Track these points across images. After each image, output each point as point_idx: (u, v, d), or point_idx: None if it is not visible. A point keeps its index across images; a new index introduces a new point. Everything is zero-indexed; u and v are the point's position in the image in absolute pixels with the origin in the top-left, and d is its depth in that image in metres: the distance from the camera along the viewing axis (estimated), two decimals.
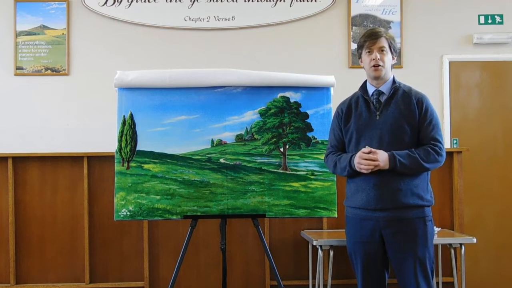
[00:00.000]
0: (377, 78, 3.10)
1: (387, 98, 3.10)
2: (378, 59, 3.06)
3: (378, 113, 3.09)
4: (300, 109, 3.96)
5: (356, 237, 3.16)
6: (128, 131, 3.85)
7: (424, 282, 3.00)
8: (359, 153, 3.02)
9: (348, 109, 3.23)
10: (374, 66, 3.07)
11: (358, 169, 3.04)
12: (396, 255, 3.04)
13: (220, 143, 3.90)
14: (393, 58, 3.14)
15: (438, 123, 3.07)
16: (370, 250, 3.11)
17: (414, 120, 3.03)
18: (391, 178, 2.99)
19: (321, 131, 3.94)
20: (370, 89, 3.16)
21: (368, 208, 3.06)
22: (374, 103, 3.12)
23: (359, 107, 3.17)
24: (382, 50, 3.08)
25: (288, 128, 3.94)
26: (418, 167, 2.96)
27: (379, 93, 3.12)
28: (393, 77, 3.16)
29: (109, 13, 4.88)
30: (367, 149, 2.99)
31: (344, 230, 3.41)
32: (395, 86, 3.11)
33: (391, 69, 3.16)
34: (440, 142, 3.02)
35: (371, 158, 2.96)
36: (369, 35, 3.10)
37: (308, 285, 4.64)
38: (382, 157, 2.95)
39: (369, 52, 3.09)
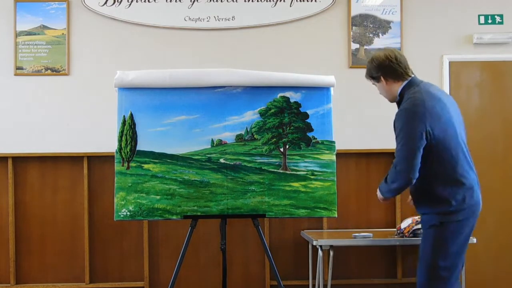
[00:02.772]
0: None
1: None
2: (379, 92, 3.27)
3: None
4: (300, 109, 3.96)
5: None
6: (128, 131, 3.85)
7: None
8: None
9: None
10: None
11: None
12: None
13: (220, 143, 3.90)
14: (384, 79, 3.15)
15: (398, 135, 3.01)
16: None
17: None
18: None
19: (321, 131, 3.94)
20: None
21: None
22: None
23: None
24: (374, 84, 3.27)
25: (288, 128, 3.94)
26: (385, 188, 3.10)
27: None
28: (399, 93, 3.14)
29: (109, 13, 4.87)
30: None
31: (343, 230, 3.43)
32: (397, 101, 3.16)
33: (397, 83, 3.13)
34: (395, 159, 3.01)
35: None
36: None
37: (308, 285, 4.64)
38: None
39: None
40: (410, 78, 3.12)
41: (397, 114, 3.06)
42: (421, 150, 2.93)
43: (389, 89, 3.16)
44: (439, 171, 2.99)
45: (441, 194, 2.98)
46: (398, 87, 3.13)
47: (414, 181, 2.97)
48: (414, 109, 2.96)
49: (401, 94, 3.11)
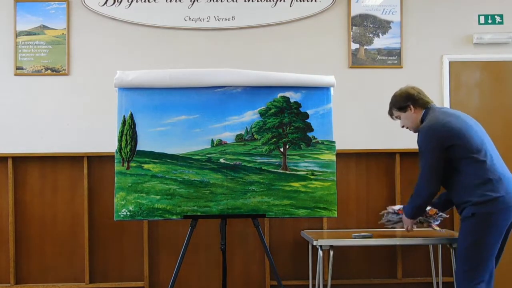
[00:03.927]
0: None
1: None
2: (402, 126, 3.73)
3: None
4: (300, 109, 3.96)
5: None
6: (128, 131, 3.85)
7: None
8: None
9: None
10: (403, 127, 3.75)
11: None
12: None
13: (220, 143, 3.90)
14: (410, 110, 3.61)
15: (421, 156, 3.47)
16: None
17: None
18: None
19: (321, 131, 3.94)
20: None
21: None
22: None
23: None
24: (398, 117, 3.70)
25: (288, 128, 3.94)
26: (411, 206, 3.65)
27: None
28: (420, 120, 3.59)
29: (109, 13, 4.87)
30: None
31: (343, 230, 3.46)
32: (419, 129, 3.56)
33: (422, 110, 3.60)
34: (419, 177, 3.49)
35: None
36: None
37: (308, 285, 4.64)
38: (403, 217, 3.79)
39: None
40: (430, 105, 3.60)
41: (420, 134, 3.51)
42: (441, 163, 3.39)
43: (416, 117, 3.61)
44: (469, 173, 3.37)
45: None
46: (421, 114, 3.60)
47: (437, 193, 3.51)
48: (432, 126, 3.43)
49: (422, 120, 3.56)
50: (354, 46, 4.99)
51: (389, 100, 3.73)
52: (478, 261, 3.30)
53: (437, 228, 3.89)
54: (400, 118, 3.69)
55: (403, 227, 3.87)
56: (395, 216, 3.92)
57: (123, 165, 3.83)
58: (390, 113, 3.74)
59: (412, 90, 3.63)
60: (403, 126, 3.73)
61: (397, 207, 3.95)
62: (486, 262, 3.31)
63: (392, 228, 4.04)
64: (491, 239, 3.29)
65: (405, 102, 3.61)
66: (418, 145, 3.49)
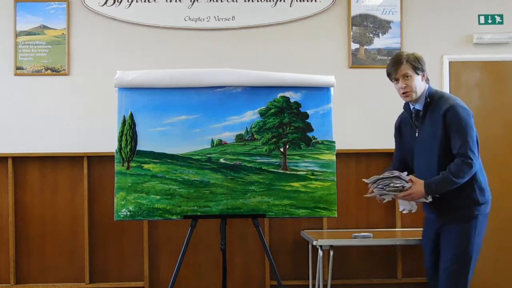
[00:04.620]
0: (410, 101, 3.32)
1: (422, 115, 3.28)
2: (405, 86, 3.24)
3: (417, 129, 3.32)
4: (300, 109, 3.96)
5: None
6: (128, 131, 3.85)
7: None
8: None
9: (400, 125, 3.52)
10: (403, 93, 3.28)
11: None
12: None
13: (220, 143, 3.90)
14: (423, 76, 3.28)
15: (467, 131, 3.15)
16: None
17: (441, 135, 3.17)
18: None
19: (321, 131, 3.94)
20: (411, 106, 3.37)
21: None
22: (413, 120, 3.34)
23: (406, 124, 3.43)
24: (407, 76, 3.24)
25: (288, 128, 3.94)
26: (452, 185, 3.14)
27: (417, 110, 3.32)
28: (427, 91, 3.29)
29: (109, 13, 4.87)
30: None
31: (343, 230, 3.44)
32: (427, 102, 3.26)
33: (427, 82, 3.31)
34: (467, 154, 3.12)
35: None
36: (392, 65, 3.28)
37: (308, 285, 4.64)
38: (416, 188, 3.20)
39: (395, 80, 3.29)
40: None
41: (454, 108, 3.17)
42: None
43: (423, 87, 3.29)
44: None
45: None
46: (426, 87, 3.29)
47: None
48: (465, 105, 3.24)
49: (431, 96, 3.27)
50: (354, 46, 4.99)
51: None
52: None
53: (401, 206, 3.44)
54: (407, 78, 3.23)
55: (393, 198, 3.33)
56: (399, 184, 3.24)
57: (123, 165, 3.83)
58: (397, 69, 3.25)
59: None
60: (403, 88, 3.25)
61: (405, 174, 3.28)
62: None
63: (380, 199, 3.35)
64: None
65: (423, 65, 3.28)
66: (458, 120, 3.14)
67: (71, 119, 4.81)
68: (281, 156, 3.92)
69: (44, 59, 4.87)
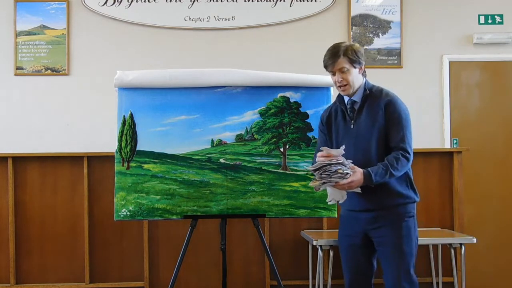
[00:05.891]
0: (346, 95, 3.22)
1: (359, 107, 3.19)
2: (341, 80, 3.15)
3: (352, 122, 3.21)
4: (300, 109, 3.96)
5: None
6: (128, 131, 3.85)
7: None
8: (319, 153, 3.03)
9: (328, 118, 3.37)
10: (339, 87, 3.18)
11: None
12: None
13: (220, 143, 3.90)
14: (360, 69, 3.18)
15: (406, 125, 3.11)
16: None
17: (382, 126, 3.12)
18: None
19: None
20: (346, 98, 3.26)
21: None
22: (349, 112, 3.23)
23: (338, 117, 3.30)
24: (344, 71, 3.14)
25: (288, 128, 3.94)
26: (389, 177, 3.03)
27: (353, 102, 3.22)
28: (365, 84, 3.22)
29: (109, 13, 4.88)
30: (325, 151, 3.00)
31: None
32: (366, 94, 3.19)
33: (364, 76, 3.22)
34: (406, 148, 3.07)
35: (324, 155, 3.00)
36: (329, 57, 3.19)
37: (308, 285, 4.64)
38: (356, 177, 3.00)
39: (332, 73, 3.21)
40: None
41: (395, 101, 3.14)
42: None
43: (361, 80, 3.20)
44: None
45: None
46: (362, 80, 3.20)
47: None
48: (406, 106, 3.18)
49: (370, 88, 3.20)
50: None
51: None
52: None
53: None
54: (344, 72, 3.13)
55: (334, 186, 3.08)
56: (346, 170, 2.99)
57: (123, 165, 3.83)
58: (334, 62, 3.14)
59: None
60: (339, 82, 3.15)
61: (349, 161, 3.04)
62: None
63: (317, 188, 3.11)
64: None
65: (361, 58, 3.15)
66: (398, 114, 3.10)
67: (71, 119, 4.82)
68: (281, 156, 3.92)
69: (44, 59, 4.87)
